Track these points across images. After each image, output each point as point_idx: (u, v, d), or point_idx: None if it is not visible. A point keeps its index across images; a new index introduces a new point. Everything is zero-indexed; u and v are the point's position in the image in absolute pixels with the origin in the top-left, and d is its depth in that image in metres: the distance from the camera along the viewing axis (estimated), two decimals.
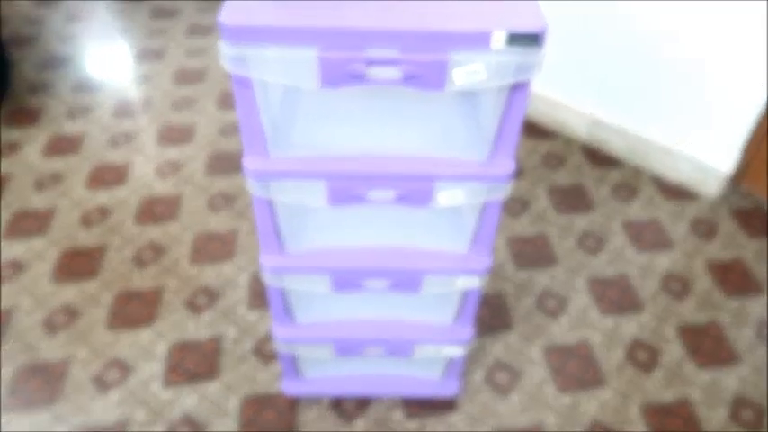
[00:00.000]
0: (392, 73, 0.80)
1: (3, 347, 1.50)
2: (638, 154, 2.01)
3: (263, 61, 0.79)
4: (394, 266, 1.09)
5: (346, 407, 1.41)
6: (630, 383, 1.47)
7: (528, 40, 0.78)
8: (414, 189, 0.96)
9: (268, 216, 1.02)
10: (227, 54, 0.78)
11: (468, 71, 0.80)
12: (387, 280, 1.10)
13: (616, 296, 1.65)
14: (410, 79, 0.80)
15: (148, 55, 2.47)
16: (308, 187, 0.96)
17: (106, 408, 1.39)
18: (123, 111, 2.20)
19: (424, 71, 0.80)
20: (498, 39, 0.78)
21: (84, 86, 2.30)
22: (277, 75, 0.80)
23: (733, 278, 1.70)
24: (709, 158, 1.88)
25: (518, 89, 0.85)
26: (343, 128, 1.02)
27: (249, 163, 0.93)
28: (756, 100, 1.70)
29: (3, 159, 2.00)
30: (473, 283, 1.10)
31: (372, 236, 1.12)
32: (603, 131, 2.05)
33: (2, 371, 1.45)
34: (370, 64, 0.79)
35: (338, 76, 0.80)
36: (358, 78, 0.80)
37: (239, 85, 0.84)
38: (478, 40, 0.78)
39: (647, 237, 1.80)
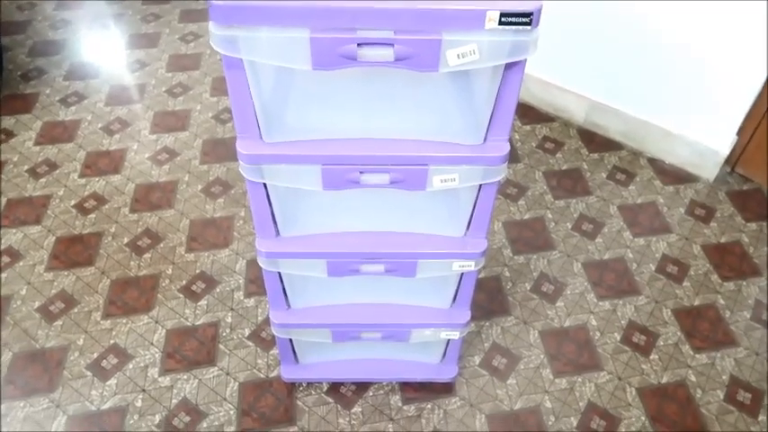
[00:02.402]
0: (385, 53, 0.79)
1: (0, 335, 1.50)
2: (635, 137, 2.00)
3: (254, 42, 0.77)
4: (390, 251, 1.08)
5: (344, 392, 1.41)
6: (627, 367, 1.47)
7: (522, 19, 0.77)
8: (408, 173, 0.95)
9: (262, 200, 1.01)
10: (216, 35, 0.77)
11: (462, 51, 0.79)
12: (383, 264, 1.10)
13: (613, 280, 1.65)
14: (403, 60, 0.79)
15: (142, 41, 2.44)
16: (301, 171, 0.95)
17: (104, 395, 1.40)
18: (118, 97, 2.18)
19: (417, 51, 0.79)
20: (492, 18, 0.77)
21: (77, 73, 2.28)
22: (268, 56, 0.79)
23: (730, 261, 1.70)
24: (707, 142, 1.87)
25: (512, 69, 0.84)
26: (336, 111, 1.00)
27: (242, 147, 0.92)
28: (753, 83, 1.69)
29: None
30: (469, 266, 1.10)
31: (369, 220, 1.11)
32: (601, 115, 2.03)
33: (0, 359, 1.46)
34: (362, 44, 0.78)
35: (330, 57, 0.79)
36: (350, 59, 0.79)
37: (230, 67, 0.82)
38: (472, 20, 0.76)
39: (645, 220, 1.80)
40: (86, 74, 2.28)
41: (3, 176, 1.89)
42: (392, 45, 0.78)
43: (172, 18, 2.57)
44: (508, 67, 0.84)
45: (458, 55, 0.80)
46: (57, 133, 2.04)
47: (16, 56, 2.36)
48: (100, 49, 2.41)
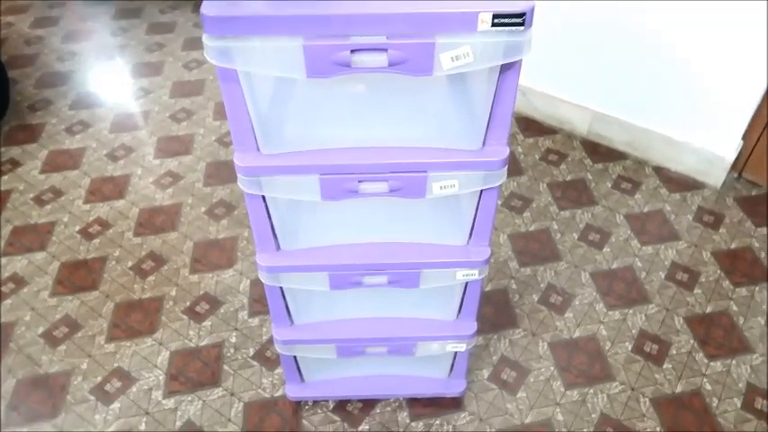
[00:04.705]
0: (378, 59, 0.79)
1: (3, 362, 1.49)
2: (639, 147, 1.99)
3: (248, 52, 0.78)
4: (392, 261, 1.07)
5: (351, 409, 1.39)
6: (640, 377, 1.44)
7: (515, 20, 0.77)
8: (407, 180, 0.95)
9: (262, 214, 1.01)
10: (210, 46, 0.77)
11: (456, 54, 0.79)
12: (385, 276, 1.08)
13: (622, 289, 1.62)
14: (397, 65, 0.79)
15: (146, 69, 2.48)
16: (300, 182, 0.94)
17: (108, 419, 1.38)
18: (122, 125, 2.20)
19: (411, 56, 0.79)
20: (484, 20, 0.77)
21: (83, 102, 2.31)
22: (262, 66, 0.79)
23: (741, 267, 1.67)
24: (713, 148, 1.85)
25: (508, 71, 0.83)
26: (334, 121, 1.01)
27: (239, 159, 0.92)
28: (756, 86, 1.68)
29: (3, 176, 2.00)
30: (473, 275, 1.08)
31: (370, 232, 1.10)
32: (604, 125, 2.03)
33: (3, 385, 1.44)
34: (355, 51, 0.78)
35: (324, 64, 0.79)
36: (344, 66, 0.79)
37: (225, 79, 0.83)
38: (464, 22, 0.76)
39: (652, 229, 1.78)
40: (92, 103, 2.31)
41: (9, 205, 1.90)
42: (385, 50, 0.78)
43: (175, 47, 2.61)
44: (504, 69, 0.83)
45: (452, 58, 0.79)
46: (62, 161, 2.05)
47: (24, 88, 2.39)
48: (105, 79, 2.44)
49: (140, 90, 2.37)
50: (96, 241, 1.78)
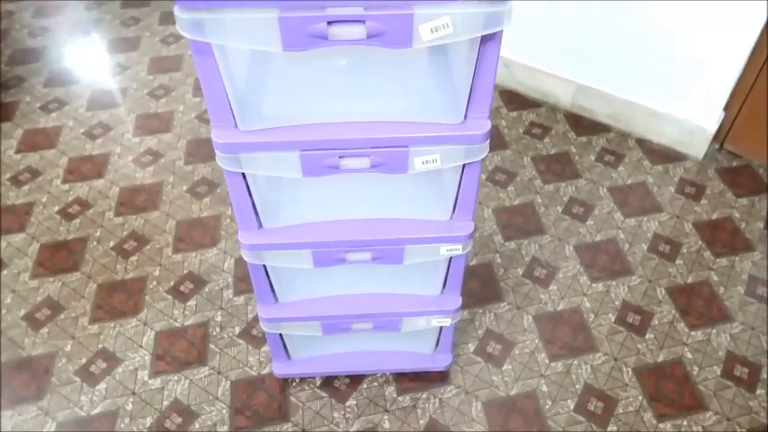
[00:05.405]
0: (356, 31, 0.77)
1: None
2: (623, 119, 1.99)
3: (221, 24, 0.75)
4: (376, 238, 1.06)
5: (338, 385, 1.39)
6: (623, 347, 1.45)
7: None
8: (389, 155, 0.93)
9: (242, 191, 0.99)
10: (182, 18, 0.75)
11: (435, 25, 0.77)
12: (369, 252, 1.08)
13: (605, 261, 1.63)
14: (376, 37, 0.77)
15: (123, 44, 2.42)
16: (280, 159, 0.93)
17: (94, 400, 1.37)
18: (99, 102, 2.15)
19: (390, 27, 0.77)
20: None
21: (57, 80, 2.25)
22: (236, 39, 0.77)
23: (722, 237, 1.68)
24: (695, 119, 1.86)
25: (489, 43, 0.82)
26: (314, 96, 0.99)
27: (217, 136, 0.90)
28: (737, 57, 1.68)
29: None
30: (457, 250, 1.08)
31: (353, 208, 1.09)
32: (588, 98, 2.02)
33: None
34: (332, 22, 0.76)
35: (300, 37, 0.77)
36: (321, 38, 0.77)
37: (199, 53, 0.80)
38: None
39: (635, 201, 1.79)
40: (67, 80, 2.25)
41: None
42: (363, 22, 0.76)
43: (152, 21, 2.55)
44: (484, 40, 0.82)
45: (431, 29, 0.78)
46: (38, 140, 2.01)
47: None
48: (80, 55, 2.38)
49: (117, 66, 2.31)
50: (76, 222, 1.75)
